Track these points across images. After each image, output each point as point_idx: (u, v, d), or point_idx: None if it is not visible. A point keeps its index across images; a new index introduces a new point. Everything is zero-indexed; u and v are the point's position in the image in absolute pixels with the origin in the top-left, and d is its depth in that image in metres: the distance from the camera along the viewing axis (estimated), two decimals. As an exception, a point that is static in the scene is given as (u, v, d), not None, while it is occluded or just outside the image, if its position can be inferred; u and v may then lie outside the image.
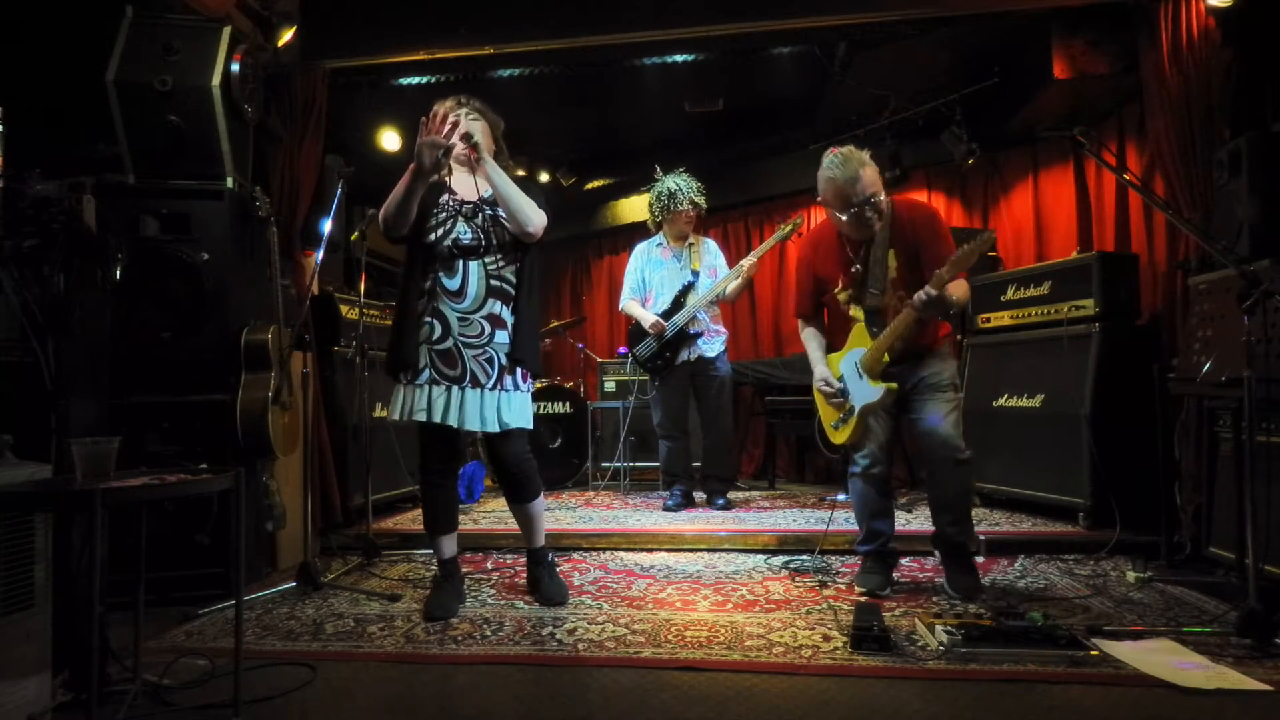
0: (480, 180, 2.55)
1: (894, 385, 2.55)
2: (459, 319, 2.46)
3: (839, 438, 2.73)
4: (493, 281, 2.49)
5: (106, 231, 2.35)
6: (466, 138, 2.42)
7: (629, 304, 4.23)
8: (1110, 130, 4.05)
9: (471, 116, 2.53)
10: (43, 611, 1.77)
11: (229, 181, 2.90)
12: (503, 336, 2.50)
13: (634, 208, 6.31)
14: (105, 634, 1.86)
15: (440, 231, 2.47)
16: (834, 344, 2.76)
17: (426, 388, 2.44)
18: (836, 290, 2.68)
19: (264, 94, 3.27)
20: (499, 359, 2.48)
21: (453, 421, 2.42)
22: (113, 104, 2.76)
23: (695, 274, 4.11)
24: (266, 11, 3.45)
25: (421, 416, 2.43)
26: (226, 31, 2.91)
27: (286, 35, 3.50)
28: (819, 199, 2.60)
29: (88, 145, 2.91)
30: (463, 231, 2.47)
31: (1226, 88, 3.01)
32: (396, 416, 2.47)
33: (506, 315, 2.52)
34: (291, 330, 2.91)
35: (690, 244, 4.20)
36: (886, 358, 2.56)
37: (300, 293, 3.33)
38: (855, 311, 2.64)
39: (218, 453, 2.73)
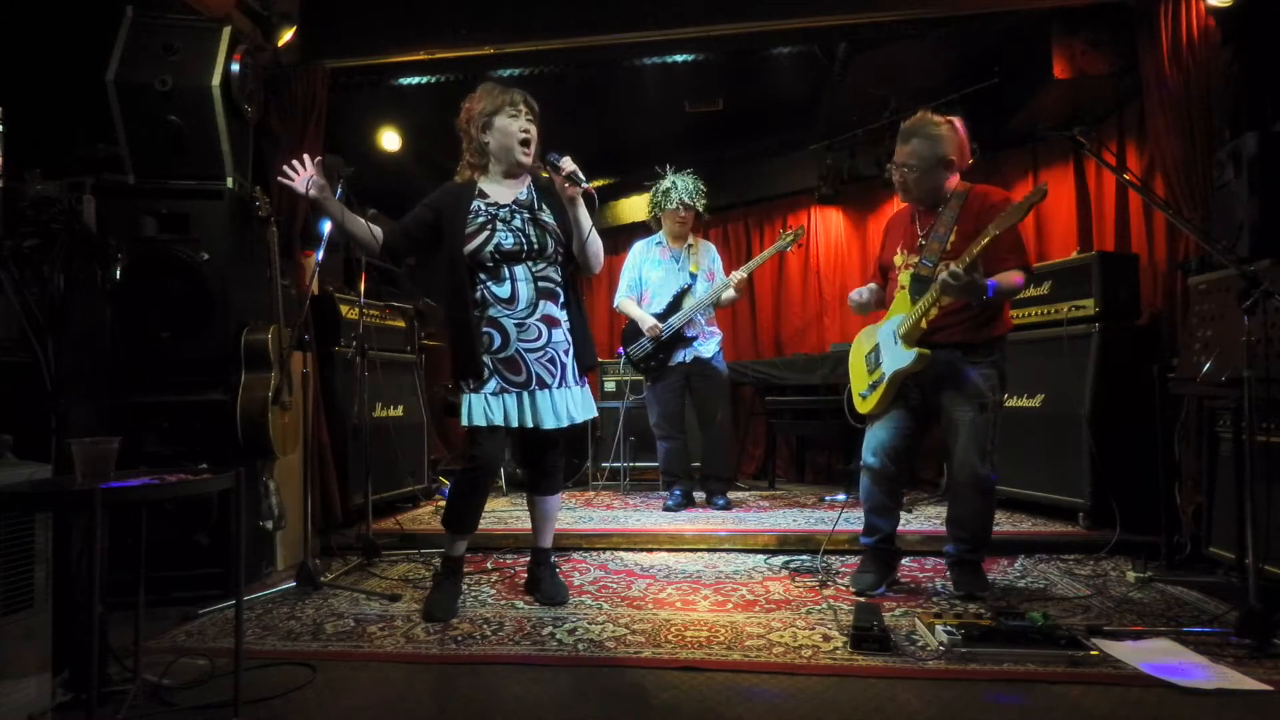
0: (517, 183, 2.56)
1: (927, 351, 2.45)
2: (515, 325, 2.46)
3: (865, 406, 2.67)
4: (541, 283, 2.49)
5: (106, 231, 2.36)
6: (574, 177, 2.38)
7: (625, 302, 4.21)
8: (1110, 130, 4.05)
9: (529, 118, 2.53)
10: (43, 611, 1.77)
11: (229, 181, 2.90)
12: (559, 335, 2.51)
13: (634, 208, 6.30)
14: (105, 634, 1.86)
15: (481, 239, 2.45)
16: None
17: (498, 396, 2.44)
18: (895, 257, 2.66)
19: (264, 94, 3.26)
20: (560, 357, 2.50)
21: (529, 423, 2.45)
22: (113, 104, 2.75)
23: (693, 276, 4.10)
24: (266, 11, 3.45)
25: (499, 421, 2.42)
26: (226, 31, 2.90)
27: (286, 35, 3.50)
28: None
29: (88, 145, 2.90)
30: (504, 237, 2.46)
31: (1226, 88, 3.01)
32: (465, 423, 2.46)
33: (560, 314, 2.52)
34: (291, 330, 2.91)
35: (690, 245, 4.19)
36: (924, 324, 2.46)
37: (300, 293, 3.33)
38: (904, 278, 2.57)
39: (218, 453, 2.72)
